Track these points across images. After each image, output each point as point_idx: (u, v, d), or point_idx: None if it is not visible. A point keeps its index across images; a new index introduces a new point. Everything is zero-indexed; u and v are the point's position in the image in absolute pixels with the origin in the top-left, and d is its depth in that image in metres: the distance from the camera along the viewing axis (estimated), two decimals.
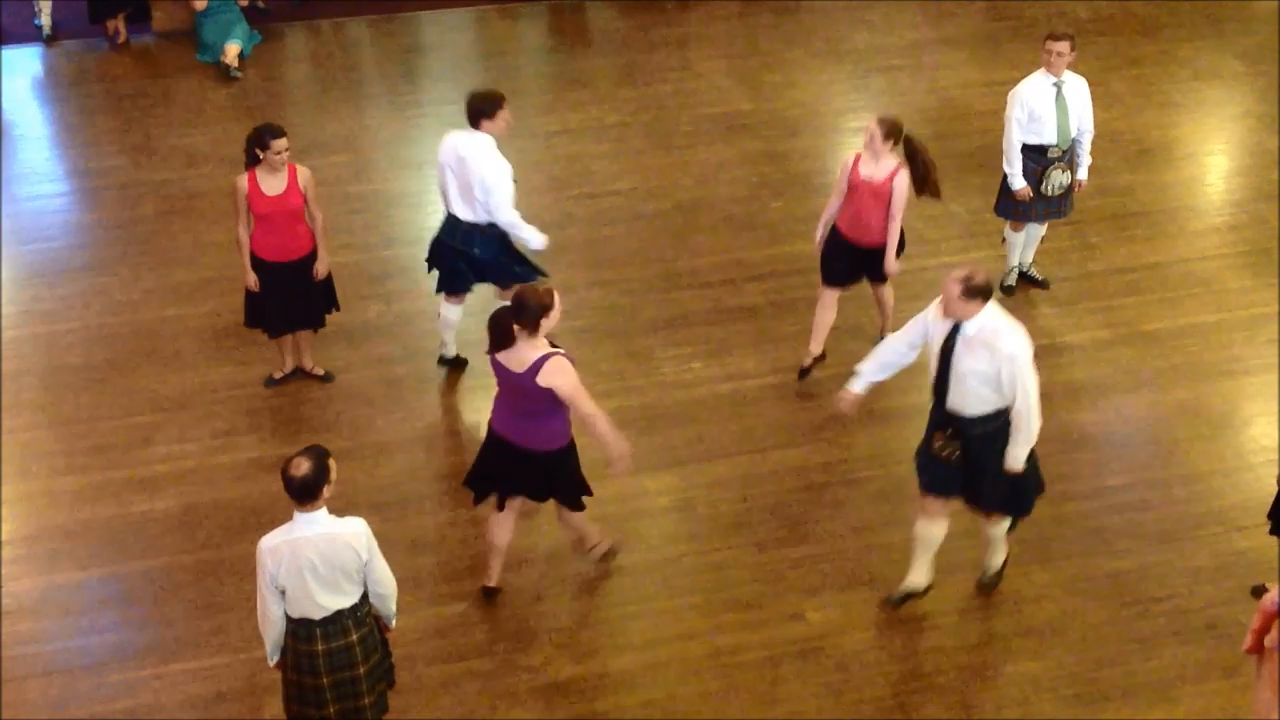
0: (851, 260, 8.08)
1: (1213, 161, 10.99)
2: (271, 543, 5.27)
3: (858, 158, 7.84)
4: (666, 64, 12.21)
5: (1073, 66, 8.60)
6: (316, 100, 11.77)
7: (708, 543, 7.26)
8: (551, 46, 12.88)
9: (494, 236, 7.90)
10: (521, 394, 6.18)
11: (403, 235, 9.81)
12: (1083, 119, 8.62)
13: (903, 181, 7.77)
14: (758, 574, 7.03)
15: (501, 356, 6.18)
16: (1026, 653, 6.63)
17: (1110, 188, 10.22)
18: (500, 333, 6.15)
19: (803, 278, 9.19)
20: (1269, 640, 1.38)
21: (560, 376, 6.06)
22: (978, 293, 6.04)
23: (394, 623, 5.71)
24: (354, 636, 5.44)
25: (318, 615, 5.36)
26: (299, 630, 5.41)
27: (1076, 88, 8.57)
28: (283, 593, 5.32)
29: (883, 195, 7.77)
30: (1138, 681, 6.49)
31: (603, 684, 6.48)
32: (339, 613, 5.38)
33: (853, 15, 13.05)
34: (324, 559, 5.24)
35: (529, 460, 6.39)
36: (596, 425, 6.17)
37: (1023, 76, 8.71)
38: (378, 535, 5.46)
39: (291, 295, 7.93)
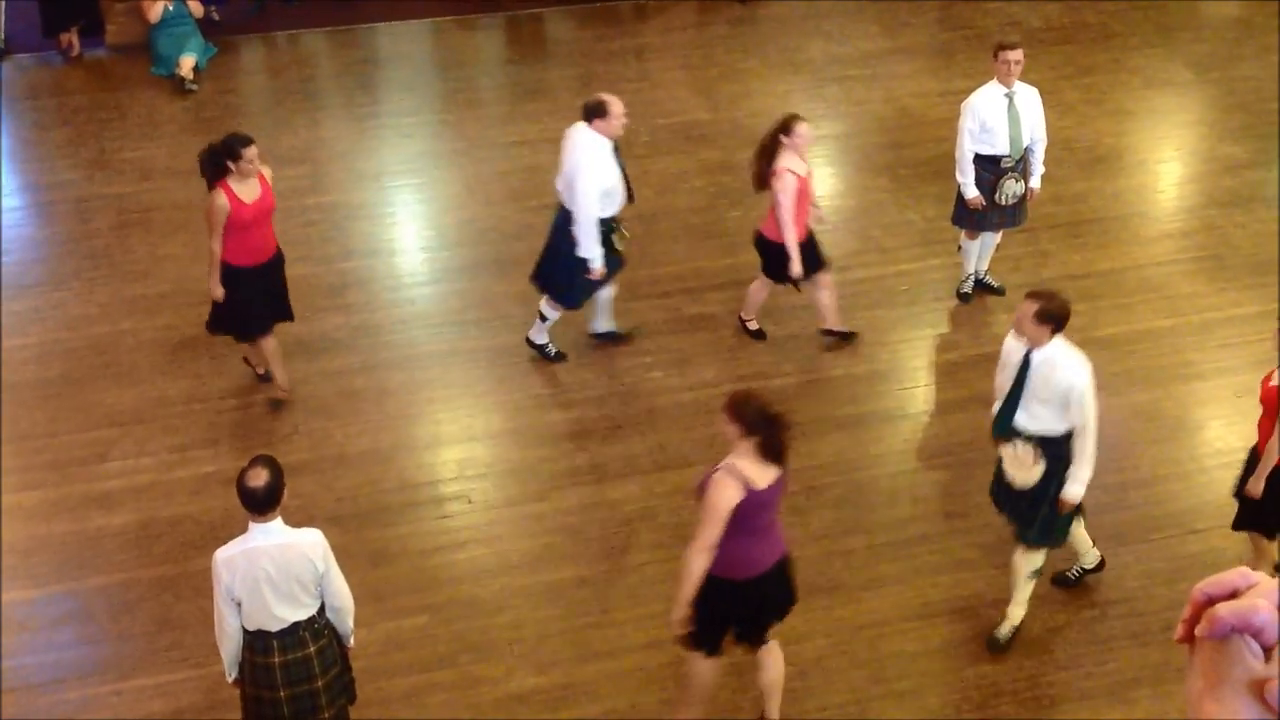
0: None
1: (1164, 168, 11.11)
2: (227, 554, 5.24)
3: None
4: (624, 75, 12.22)
5: (1024, 75, 8.68)
6: (272, 112, 11.71)
7: (670, 551, 7.24)
8: (509, 58, 12.88)
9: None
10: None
11: (361, 247, 9.78)
12: (1035, 128, 8.68)
13: None
14: None
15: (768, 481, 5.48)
16: (985, 656, 6.67)
17: (1063, 195, 10.31)
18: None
19: None
20: (1199, 630, 1.40)
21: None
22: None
23: (351, 641, 5.67)
24: (311, 649, 5.41)
25: (274, 627, 5.33)
26: (256, 643, 5.37)
27: (1028, 98, 8.63)
28: (239, 606, 5.29)
29: None
30: (1095, 684, 6.54)
31: (565, 694, 6.48)
32: (296, 624, 5.35)
33: (808, 25, 13.12)
34: (280, 569, 5.22)
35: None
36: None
37: (977, 86, 8.76)
38: (338, 548, 5.44)
39: (270, 293, 7.92)
